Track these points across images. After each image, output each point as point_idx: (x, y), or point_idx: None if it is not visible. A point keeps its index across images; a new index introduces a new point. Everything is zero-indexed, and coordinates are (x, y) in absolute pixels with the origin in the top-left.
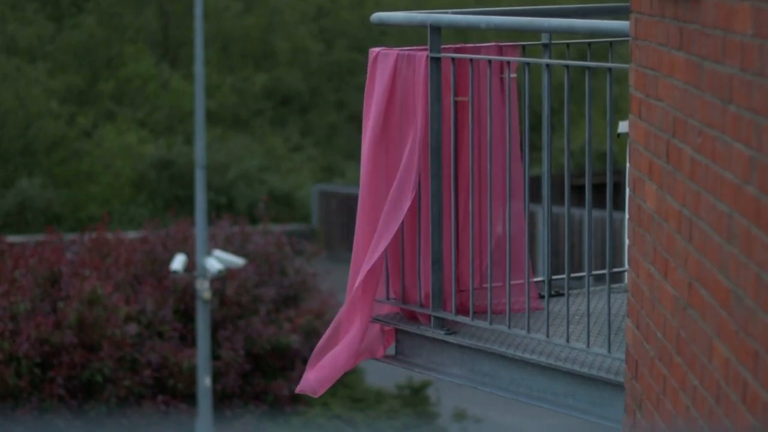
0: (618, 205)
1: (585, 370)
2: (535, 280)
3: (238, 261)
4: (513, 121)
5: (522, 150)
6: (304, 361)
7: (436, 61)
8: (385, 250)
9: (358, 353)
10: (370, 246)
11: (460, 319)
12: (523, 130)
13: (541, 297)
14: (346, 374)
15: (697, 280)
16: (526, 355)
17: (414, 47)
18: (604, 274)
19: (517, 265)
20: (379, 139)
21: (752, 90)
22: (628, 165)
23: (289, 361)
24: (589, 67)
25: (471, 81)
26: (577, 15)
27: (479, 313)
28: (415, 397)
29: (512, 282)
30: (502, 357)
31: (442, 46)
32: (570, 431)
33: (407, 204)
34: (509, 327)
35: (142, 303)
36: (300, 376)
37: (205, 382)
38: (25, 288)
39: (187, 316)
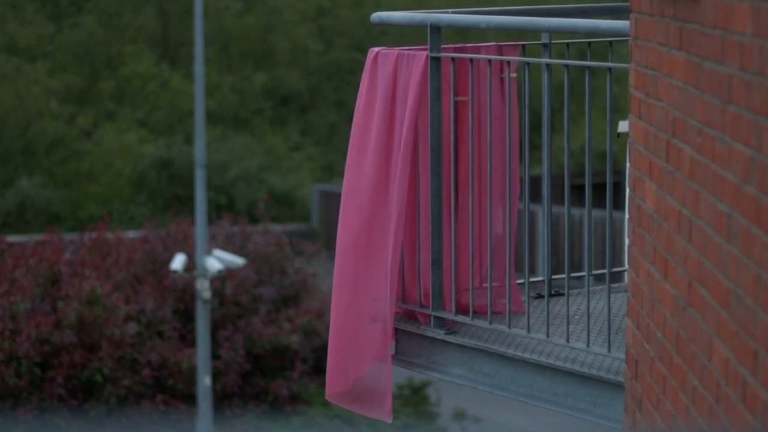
0: (618, 205)
1: (585, 369)
2: (534, 279)
3: (238, 261)
4: (513, 120)
5: (521, 150)
6: (304, 361)
7: (436, 61)
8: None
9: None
10: (385, 252)
11: (460, 318)
12: (523, 129)
13: (540, 297)
14: None
15: (697, 280)
16: (526, 355)
17: (414, 47)
18: (604, 274)
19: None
20: (381, 138)
21: (752, 90)
22: (628, 165)
23: (289, 361)
24: (589, 67)
25: (471, 81)
26: (576, 15)
27: (479, 313)
28: (415, 397)
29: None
30: (502, 357)
31: (442, 46)
32: (570, 431)
33: (402, 210)
34: (509, 327)
35: (141, 303)
36: (299, 376)
37: (205, 382)
38: (25, 288)
39: (186, 315)
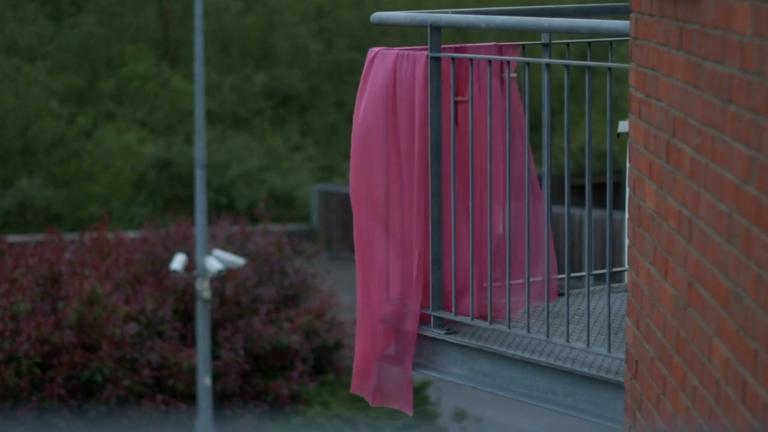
0: (618, 205)
1: (585, 369)
2: (534, 280)
3: (238, 261)
4: (513, 120)
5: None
6: (304, 361)
7: (436, 61)
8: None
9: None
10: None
11: (460, 318)
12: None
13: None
14: (346, 373)
15: (697, 279)
16: (526, 355)
17: (414, 47)
18: (604, 274)
19: (516, 264)
20: (381, 139)
21: (752, 90)
22: (628, 165)
23: (289, 361)
24: (589, 67)
25: (471, 81)
26: (577, 14)
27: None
28: (415, 397)
29: (511, 281)
30: (502, 357)
31: (442, 46)
32: (570, 431)
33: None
34: (509, 327)
35: (141, 303)
36: (299, 376)
37: (205, 382)
38: (25, 288)
39: (186, 315)
